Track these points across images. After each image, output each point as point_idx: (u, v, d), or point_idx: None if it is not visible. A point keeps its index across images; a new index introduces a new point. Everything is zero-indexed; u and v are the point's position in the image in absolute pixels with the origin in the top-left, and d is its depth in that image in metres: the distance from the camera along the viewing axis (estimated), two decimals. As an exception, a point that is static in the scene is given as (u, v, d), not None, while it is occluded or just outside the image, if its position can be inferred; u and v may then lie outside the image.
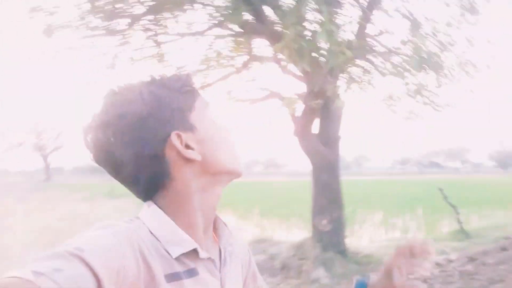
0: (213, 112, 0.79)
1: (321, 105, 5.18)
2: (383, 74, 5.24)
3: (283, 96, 5.39)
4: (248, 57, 5.11)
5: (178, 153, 0.73)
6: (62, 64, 5.41)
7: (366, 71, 5.75)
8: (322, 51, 3.42)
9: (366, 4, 5.03)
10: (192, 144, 0.74)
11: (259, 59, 5.25)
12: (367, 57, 5.38)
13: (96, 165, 0.74)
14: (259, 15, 4.21)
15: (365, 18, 5.04)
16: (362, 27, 5.06)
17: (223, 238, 0.82)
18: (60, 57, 5.07)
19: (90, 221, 11.34)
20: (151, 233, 0.71)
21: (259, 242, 6.70)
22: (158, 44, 4.99)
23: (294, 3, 4.21)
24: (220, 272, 0.78)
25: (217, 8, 4.32)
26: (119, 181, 0.75)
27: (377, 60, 5.49)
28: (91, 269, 0.55)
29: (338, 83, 5.26)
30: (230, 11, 3.89)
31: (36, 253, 0.56)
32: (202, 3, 4.58)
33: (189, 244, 0.71)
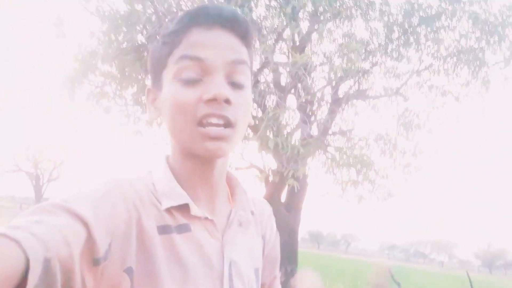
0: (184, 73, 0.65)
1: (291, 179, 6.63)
2: (338, 165, 6.80)
3: (260, 168, 6.94)
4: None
5: None
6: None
7: (329, 158, 7.35)
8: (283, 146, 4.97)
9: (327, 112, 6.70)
10: (157, 103, 0.72)
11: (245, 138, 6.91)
12: (327, 149, 7.02)
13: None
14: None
15: (328, 123, 6.71)
16: (326, 127, 6.73)
17: (238, 202, 0.77)
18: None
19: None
20: (153, 185, 0.70)
21: None
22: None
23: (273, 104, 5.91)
24: (223, 233, 0.72)
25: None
26: None
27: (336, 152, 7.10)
28: (78, 216, 0.53)
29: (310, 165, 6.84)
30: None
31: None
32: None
33: (181, 198, 0.67)
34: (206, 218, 0.70)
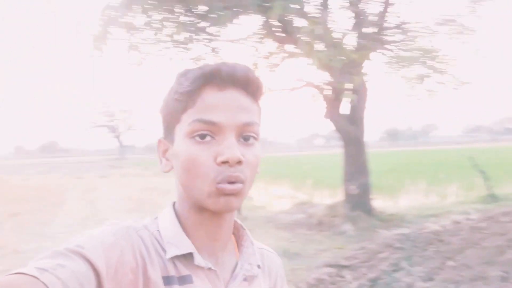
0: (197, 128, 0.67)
1: (348, 92, 6.21)
2: (401, 62, 6.18)
3: (316, 85, 6.54)
4: (286, 54, 6.37)
5: None
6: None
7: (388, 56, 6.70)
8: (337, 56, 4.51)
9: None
10: (169, 155, 0.73)
11: (295, 55, 6.45)
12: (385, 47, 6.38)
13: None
14: (288, 28, 5.43)
15: (382, 14, 6.02)
16: (381, 23, 6.06)
17: (244, 255, 0.78)
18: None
19: (164, 192, 13.17)
20: (159, 232, 0.71)
21: (302, 204, 8.05)
22: (214, 50, 6.40)
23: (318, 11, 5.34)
24: (226, 287, 0.73)
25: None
26: None
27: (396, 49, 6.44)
28: (92, 265, 0.58)
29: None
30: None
31: (42, 252, 0.59)
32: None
33: (186, 247, 0.69)
34: (210, 269, 0.71)
